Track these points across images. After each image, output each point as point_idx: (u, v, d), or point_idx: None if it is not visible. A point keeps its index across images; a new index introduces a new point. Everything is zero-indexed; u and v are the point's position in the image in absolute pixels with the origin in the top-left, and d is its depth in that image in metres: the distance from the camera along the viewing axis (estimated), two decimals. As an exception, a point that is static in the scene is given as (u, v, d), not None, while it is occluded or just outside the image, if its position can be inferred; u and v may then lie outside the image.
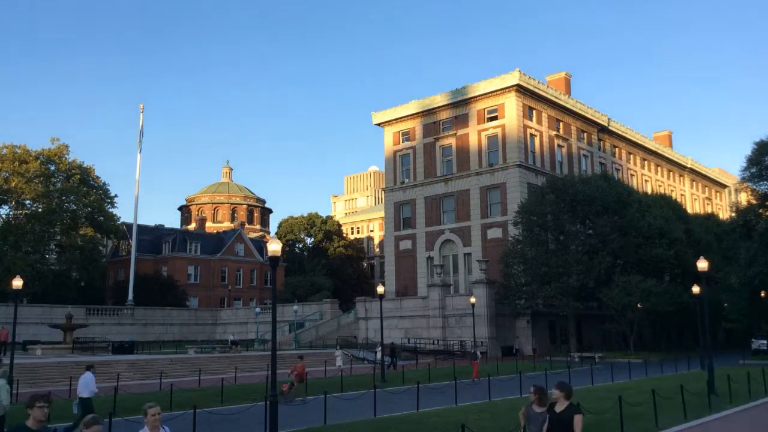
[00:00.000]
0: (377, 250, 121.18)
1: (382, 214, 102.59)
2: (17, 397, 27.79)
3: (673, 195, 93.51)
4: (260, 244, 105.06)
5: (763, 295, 52.63)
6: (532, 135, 72.23)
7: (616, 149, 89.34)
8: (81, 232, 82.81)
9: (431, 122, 77.38)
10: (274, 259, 16.92)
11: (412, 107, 78.35)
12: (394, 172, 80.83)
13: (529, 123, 71.92)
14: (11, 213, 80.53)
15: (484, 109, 72.99)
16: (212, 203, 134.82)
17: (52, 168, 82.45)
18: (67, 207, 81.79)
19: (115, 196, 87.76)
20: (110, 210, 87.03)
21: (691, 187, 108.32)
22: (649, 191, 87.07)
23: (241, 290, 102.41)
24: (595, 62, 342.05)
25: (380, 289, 41.57)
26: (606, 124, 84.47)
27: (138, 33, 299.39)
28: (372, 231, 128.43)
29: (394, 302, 67.27)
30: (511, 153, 69.54)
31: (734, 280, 52.65)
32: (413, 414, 21.62)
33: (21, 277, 31.52)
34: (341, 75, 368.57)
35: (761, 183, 56.73)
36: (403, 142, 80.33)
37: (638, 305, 54.70)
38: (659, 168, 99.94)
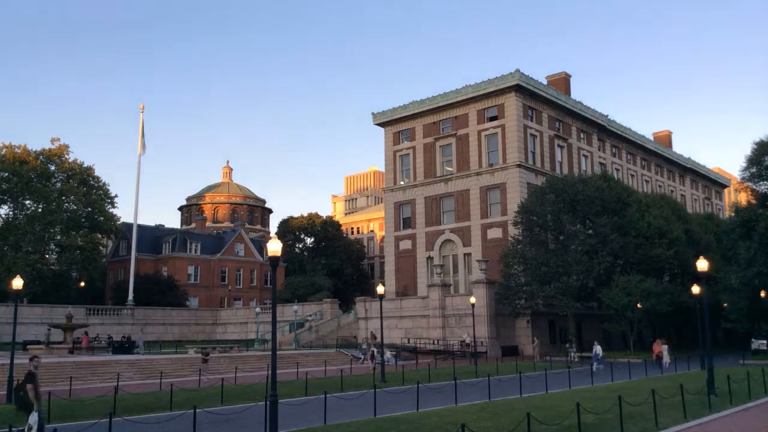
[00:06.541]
0: (377, 249, 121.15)
1: (382, 214, 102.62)
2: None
3: (673, 195, 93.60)
4: (260, 244, 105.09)
5: (763, 295, 52.56)
6: (532, 135, 72.27)
7: (616, 149, 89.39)
8: (81, 232, 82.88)
9: (431, 122, 77.41)
10: (274, 259, 16.94)
11: (412, 107, 78.37)
12: (394, 172, 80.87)
13: (529, 123, 71.96)
14: (11, 213, 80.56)
15: (484, 109, 73.02)
16: (212, 203, 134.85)
17: (53, 168, 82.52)
18: (67, 207, 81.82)
19: (115, 196, 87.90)
20: (110, 210, 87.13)
21: (691, 187, 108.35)
22: (649, 191, 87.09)
23: (241, 290, 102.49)
24: (596, 62, 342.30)
25: (380, 289, 41.57)
26: (606, 124, 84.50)
27: (138, 33, 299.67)
28: (372, 231, 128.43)
29: (394, 302, 67.30)
30: (511, 153, 69.58)
31: (734, 280, 52.58)
32: (413, 414, 21.63)
33: (21, 277, 31.48)
34: (341, 75, 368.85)
35: (761, 183, 56.76)
36: (403, 142, 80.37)
37: (638, 305, 54.73)
38: (659, 168, 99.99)
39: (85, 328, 60.00)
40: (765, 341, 55.44)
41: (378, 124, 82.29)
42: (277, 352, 21.41)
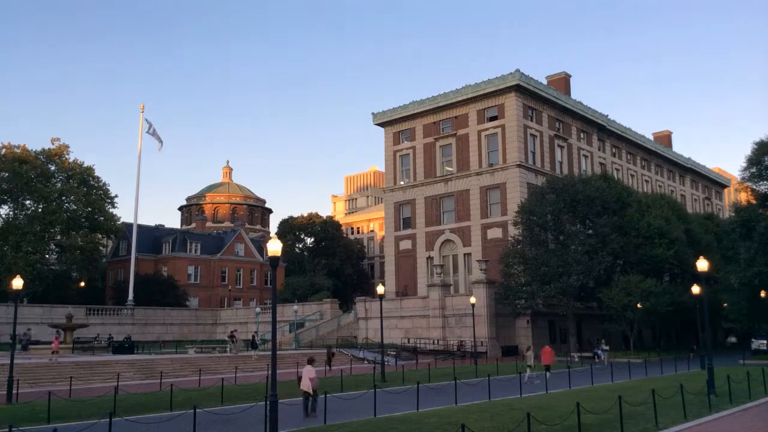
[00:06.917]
0: (377, 249, 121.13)
1: (382, 214, 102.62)
2: (18, 397, 27.82)
3: (673, 195, 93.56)
4: (260, 244, 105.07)
5: (763, 295, 52.61)
6: (532, 135, 72.26)
7: (616, 149, 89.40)
8: (81, 232, 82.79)
9: (431, 122, 77.42)
10: (274, 259, 16.95)
11: (412, 107, 78.37)
12: (394, 172, 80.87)
13: (529, 123, 71.96)
14: (11, 213, 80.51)
15: (484, 109, 73.02)
16: (212, 203, 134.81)
17: (53, 168, 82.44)
18: (67, 207, 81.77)
19: (116, 196, 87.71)
20: (110, 210, 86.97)
21: (691, 187, 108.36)
22: (649, 191, 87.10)
23: (241, 290, 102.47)
24: (596, 62, 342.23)
25: (380, 289, 41.60)
26: (606, 124, 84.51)
27: (138, 33, 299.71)
28: (372, 231, 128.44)
29: (394, 302, 67.29)
30: (511, 153, 69.58)
31: (734, 280, 52.62)
32: (413, 414, 21.63)
33: (21, 277, 31.52)
34: (341, 75, 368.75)
35: (761, 183, 56.78)
36: (403, 142, 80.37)
37: (638, 305, 54.74)
38: (659, 168, 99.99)
39: (85, 327, 59.89)
40: (765, 341, 55.47)
41: (378, 124, 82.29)
42: (277, 352, 21.41)
